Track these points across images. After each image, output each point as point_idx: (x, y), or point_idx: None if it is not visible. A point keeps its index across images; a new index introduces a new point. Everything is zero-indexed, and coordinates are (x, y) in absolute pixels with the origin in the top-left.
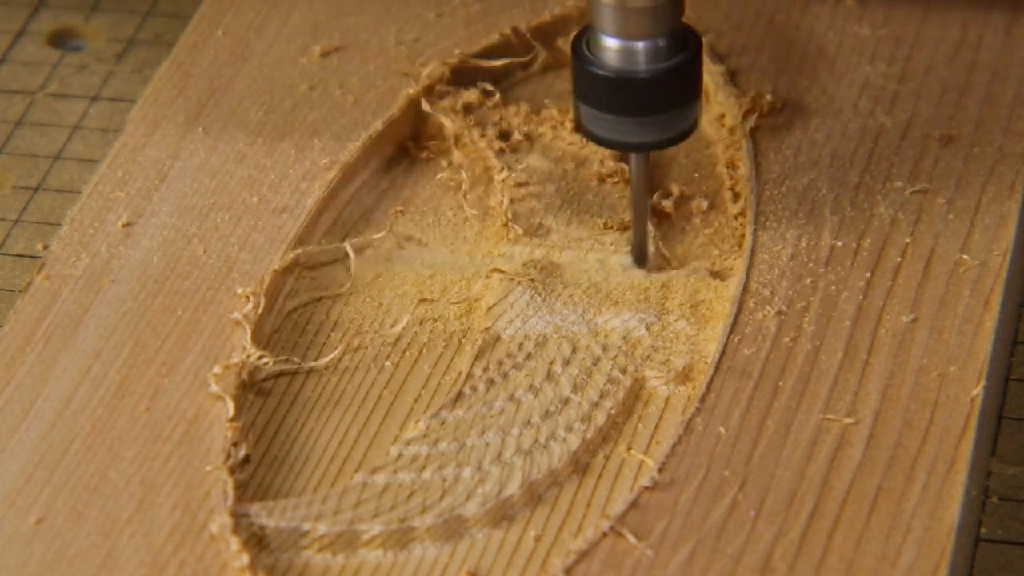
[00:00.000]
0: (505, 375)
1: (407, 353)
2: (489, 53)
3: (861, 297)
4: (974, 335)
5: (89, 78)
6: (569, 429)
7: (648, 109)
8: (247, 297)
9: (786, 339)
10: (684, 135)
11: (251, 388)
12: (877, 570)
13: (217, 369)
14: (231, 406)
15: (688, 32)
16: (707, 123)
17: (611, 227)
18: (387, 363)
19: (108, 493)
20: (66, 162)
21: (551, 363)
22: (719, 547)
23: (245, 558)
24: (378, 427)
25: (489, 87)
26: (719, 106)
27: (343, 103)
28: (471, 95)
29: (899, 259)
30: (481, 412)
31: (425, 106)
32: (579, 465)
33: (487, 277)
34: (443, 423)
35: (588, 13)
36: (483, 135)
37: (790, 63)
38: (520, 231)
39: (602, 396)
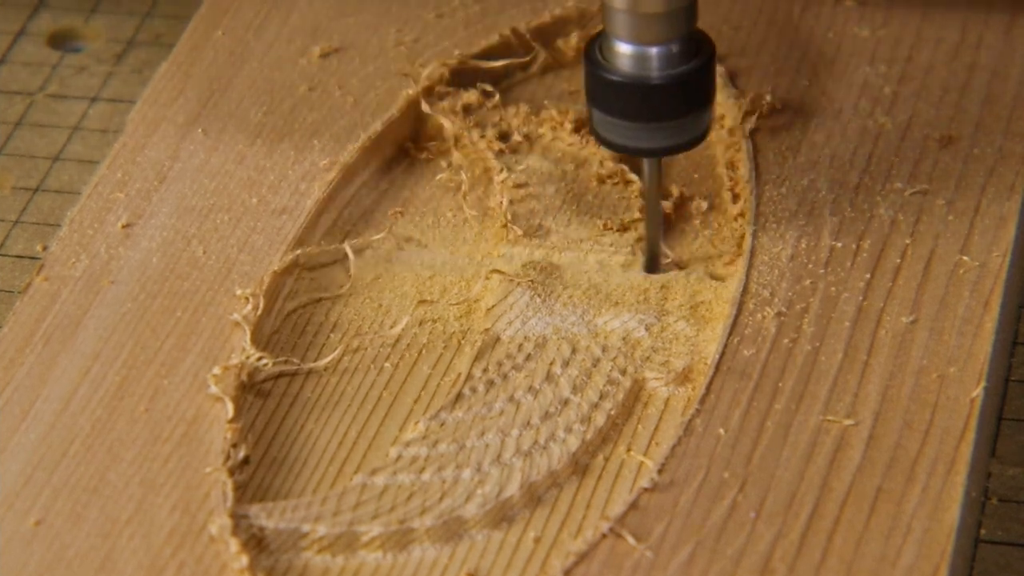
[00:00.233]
0: (505, 376)
1: (406, 354)
2: (489, 54)
3: (861, 298)
4: (974, 336)
5: (89, 79)
6: (569, 430)
7: (661, 115)
8: (246, 298)
9: (786, 340)
10: (697, 140)
11: (250, 389)
12: (877, 571)
13: (216, 370)
14: (230, 407)
15: (701, 38)
16: None
17: (611, 228)
18: (386, 364)
19: (107, 494)
20: (66, 163)
21: (551, 364)
22: (719, 548)
23: (244, 559)
24: (377, 428)
25: (489, 88)
26: (719, 107)
27: (343, 104)
28: (471, 96)
29: (899, 260)
30: (481, 413)
31: (425, 107)
32: (579, 466)
33: (487, 278)
34: (442, 424)
35: (600, 18)
36: (483, 136)
37: (790, 64)
38: (520, 232)
39: (602, 397)
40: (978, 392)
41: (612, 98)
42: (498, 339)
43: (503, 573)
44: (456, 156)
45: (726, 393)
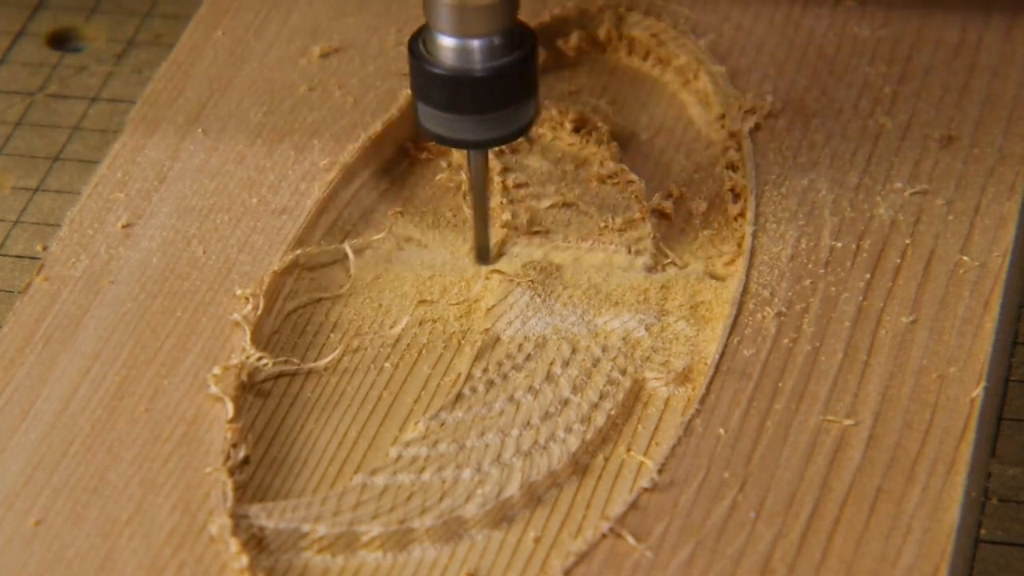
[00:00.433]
0: (505, 376)
1: (406, 354)
2: None
3: (861, 298)
4: (974, 336)
5: (88, 79)
6: (569, 430)
7: (485, 107)
8: (246, 298)
9: (786, 340)
10: (521, 131)
11: (250, 389)
12: (877, 571)
13: (216, 370)
14: (230, 407)
15: (523, 30)
16: (707, 124)
17: (611, 228)
18: (386, 364)
19: (107, 494)
20: (65, 163)
21: (551, 364)
22: (719, 548)
23: (244, 559)
24: (377, 428)
25: None
26: (719, 107)
27: (343, 104)
28: None
29: (899, 260)
30: (480, 413)
31: None
32: (579, 466)
33: (486, 278)
34: (442, 424)
35: (424, 13)
36: None
37: (790, 64)
38: (519, 232)
39: (602, 397)
40: (978, 392)
41: (437, 91)
42: (498, 339)
43: (503, 573)
44: (456, 156)
45: (726, 393)
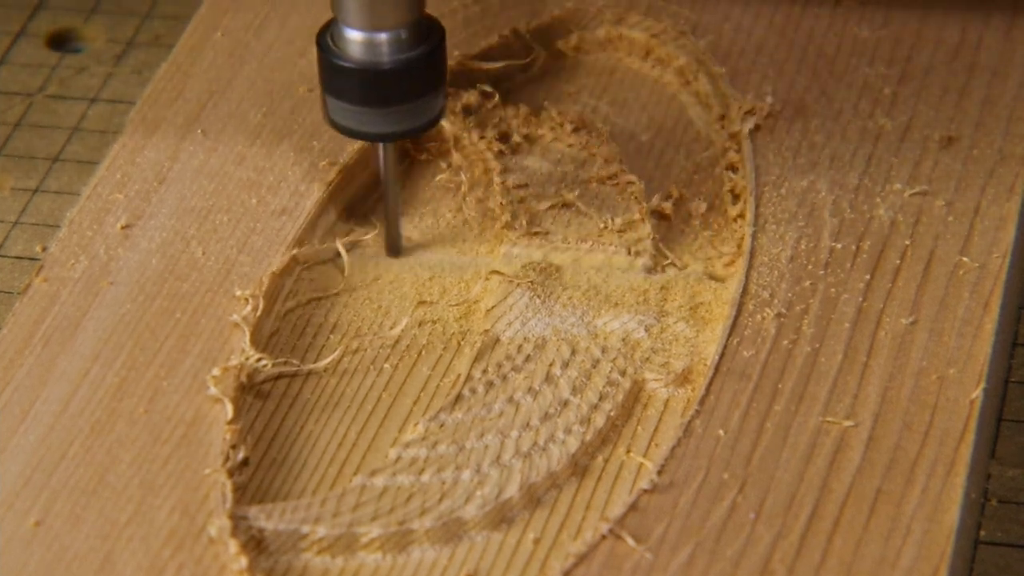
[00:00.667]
0: (504, 377)
1: (406, 355)
2: (488, 55)
3: (860, 299)
4: (974, 337)
5: (88, 80)
6: (568, 431)
7: (393, 100)
8: (246, 299)
9: (785, 341)
10: (430, 124)
11: (250, 390)
12: (876, 573)
13: (216, 371)
14: (230, 408)
15: (431, 23)
16: (707, 124)
17: (610, 229)
18: (386, 365)
19: (107, 495)
20: (65, 164)
21: (550, 365)
22: (718, 550)
23: (244, 561)
24: (377, 429)
25: (488, 89)
26: (719, 108)
27: None
28: (470, 97)
29: (898, 261)
30: (480, 414)
31: None
32: (578, 467)
33: (486, 279)
34: (442, 425)
35: (331, 6)
36: (482, 137)
37: (790, 64)
38: (519, 233)
39: (601, 398)
40: (978, 393)
41: (344, 84)
42: (498, 340)
43: (502, 574)
44: (456, 157)
45: (726, 394)
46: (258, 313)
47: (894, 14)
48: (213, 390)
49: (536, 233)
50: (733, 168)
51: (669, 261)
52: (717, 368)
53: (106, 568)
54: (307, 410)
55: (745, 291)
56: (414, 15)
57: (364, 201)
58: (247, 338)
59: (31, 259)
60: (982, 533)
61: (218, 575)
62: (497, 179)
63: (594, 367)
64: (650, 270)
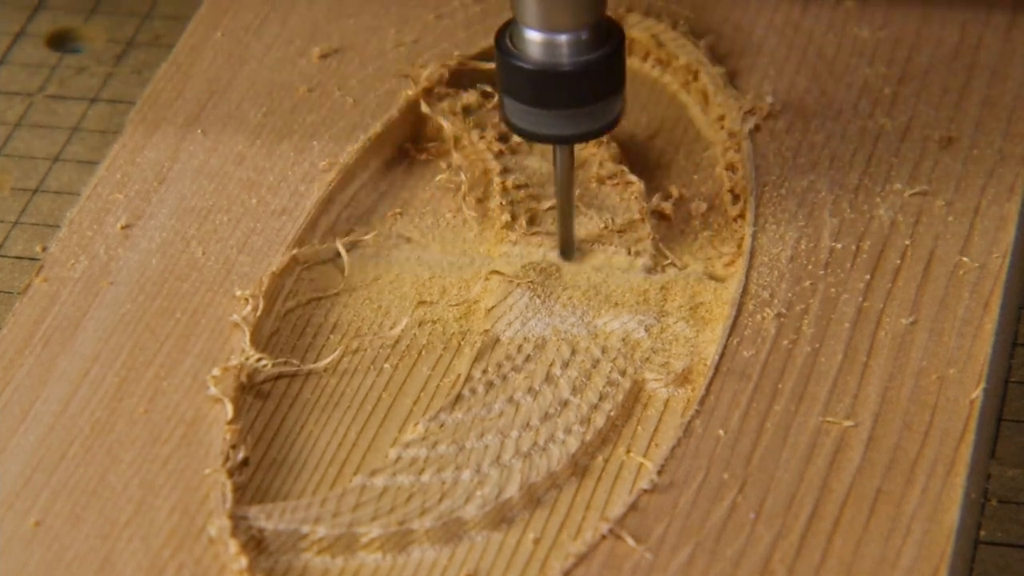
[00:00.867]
0: (504, 377)
1: (406, 355)
2: (488, 55)
3: (860, 299)
4: (974, 337)
5: (88, 80)
6: (568, 431)
7: (572, 102)
8: (246, 299)
9: (785, 341)
10: (608, 127)
11: (250, 390)
12: (876, 573)
13: (216, 371)
14: (230, 408)
15: (611, 25)
16: (707, 125)
17: (610, 229)
18: (386, 365)
19: (107, 495)
20: (65, 164)
21: (550, 365)
22: (718, 550)
23: (244, 561)
24: (377, 429)
25: (488, 89)
26: (719, 108)
27: (342, 105)
28: (470, 97)
29: (899, 261)
30: (480, 414)
31: (424, 108)
32: (578, 467)
33: (486, 279)
34: (442, 425)
35: (511, 7)
36: (482, 137)
37: (790, 64)
38: (519, 233)
39: (601, 398)
40: (978, 393)
41: (523, 85)
42: (497, 340)
43: (502, 574)
44: (456, 157)
45: (726, 394)
46: (258, 313)
47: (894, 14)
48: (213, 390)
49: (536, 233)
50: (733, 168)
51: (669, 261)
52: (717, 368)
53: (106, 568)
54: (307, 410)
55: (745, 291)
56: (595, 17)
57: (364, 201)
58: (247, 338)
59: (31, 259)
60: (982, 533)
61: (218, 575)
62: (497, 179)
63: (594, 367)
64: (650, 270)
